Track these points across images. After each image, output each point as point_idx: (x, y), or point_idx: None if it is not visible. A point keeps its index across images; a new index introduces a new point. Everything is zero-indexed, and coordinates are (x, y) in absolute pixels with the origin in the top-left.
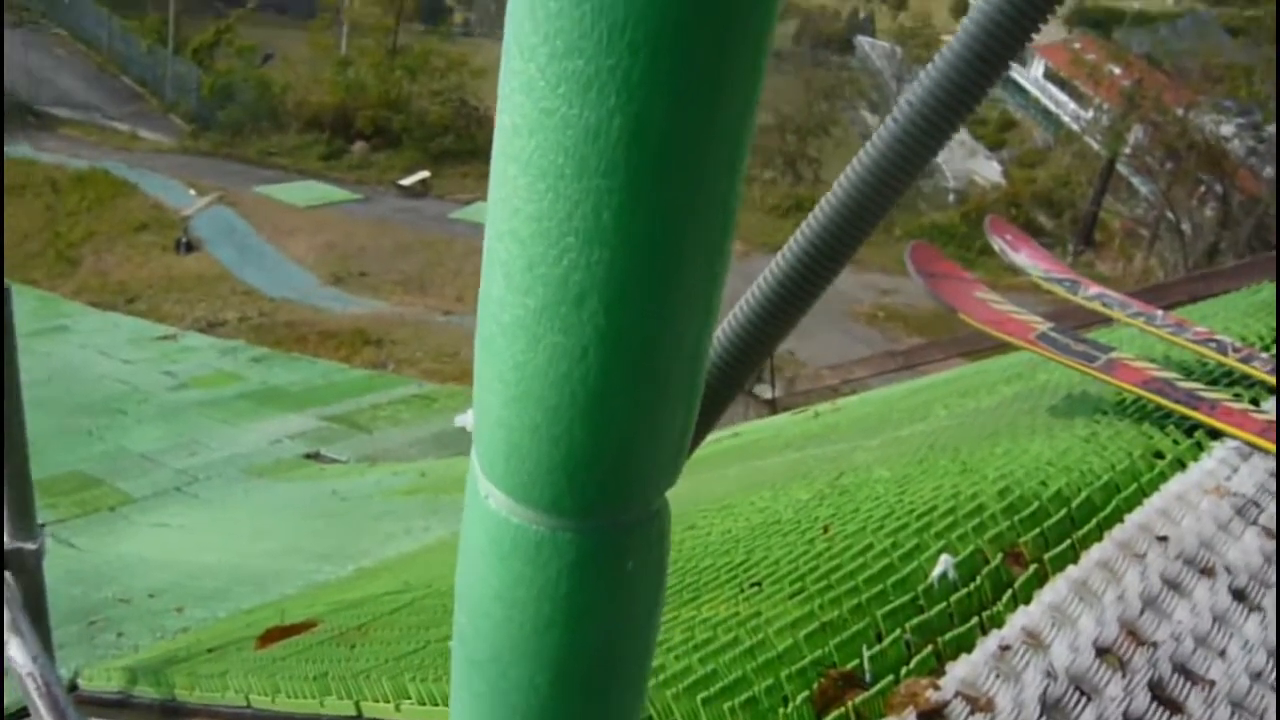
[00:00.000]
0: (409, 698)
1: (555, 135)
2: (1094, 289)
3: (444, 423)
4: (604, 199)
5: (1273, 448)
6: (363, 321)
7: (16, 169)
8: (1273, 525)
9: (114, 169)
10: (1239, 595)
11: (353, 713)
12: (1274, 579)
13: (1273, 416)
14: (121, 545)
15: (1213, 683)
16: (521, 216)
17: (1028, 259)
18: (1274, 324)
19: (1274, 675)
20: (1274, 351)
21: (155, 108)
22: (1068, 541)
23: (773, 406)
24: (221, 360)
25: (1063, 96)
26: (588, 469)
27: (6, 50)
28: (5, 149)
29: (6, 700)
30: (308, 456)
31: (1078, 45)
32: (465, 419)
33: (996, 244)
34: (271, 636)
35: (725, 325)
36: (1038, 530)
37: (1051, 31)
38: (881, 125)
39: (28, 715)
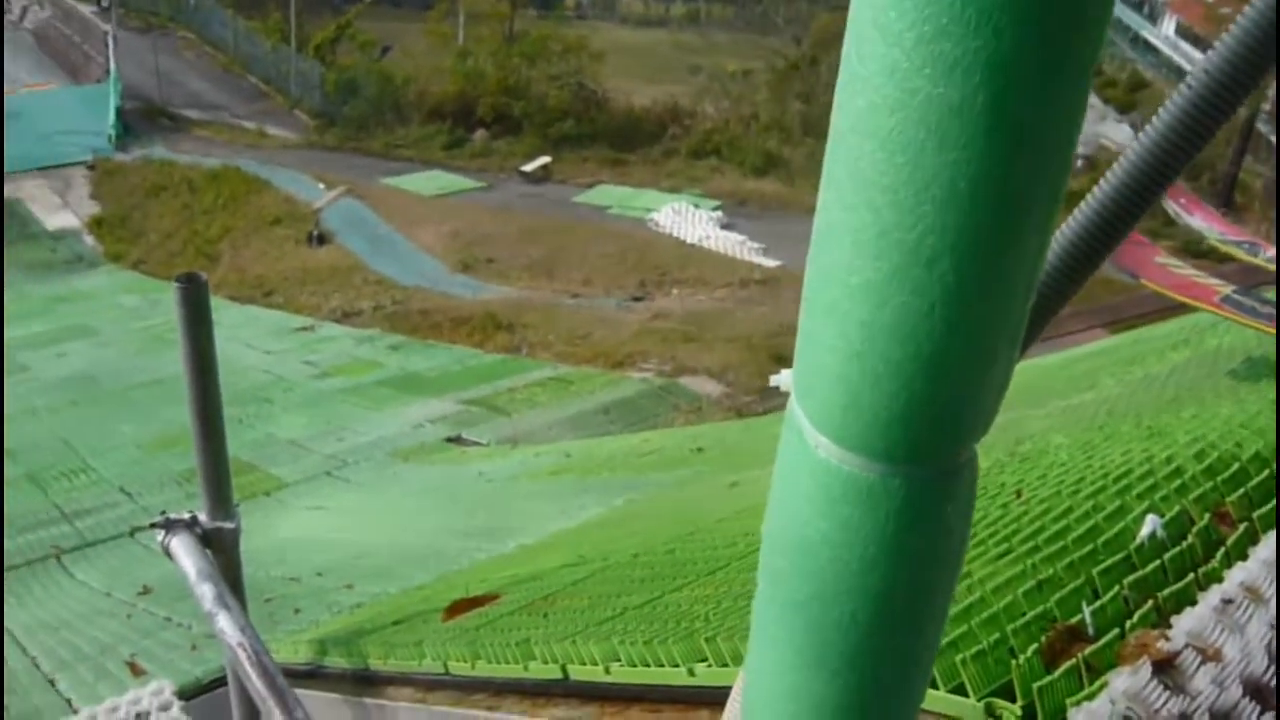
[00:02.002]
0: (618, 660)
1: (918, 113)
2: (1272, 250)
3: (581, 404)
4: (962, 170)
5: None
6: (493, 307)
7: (155, 170)
8: None
9: (245, 166)
10: None
11: (559, 676)
12: None
13: None
14: (282, 528)
15: None
16: (876, 188)
17: (1203, 222)
18: None
19: None
20: None
21: (281, 105)
22: (1274, 501)
23: None
24: (359, 349)
25: (1196, 54)
26: (922, 419)
27: (138, 54)
28: (145, 152)
29: (200, 671)
30: (449, 440)
31: None
32: (782, 379)
33: (1171, 208)
34: (458, 608)
35: None
36: (1241, 491)
37: None
38: (1173, 94)
39: (223, 685)
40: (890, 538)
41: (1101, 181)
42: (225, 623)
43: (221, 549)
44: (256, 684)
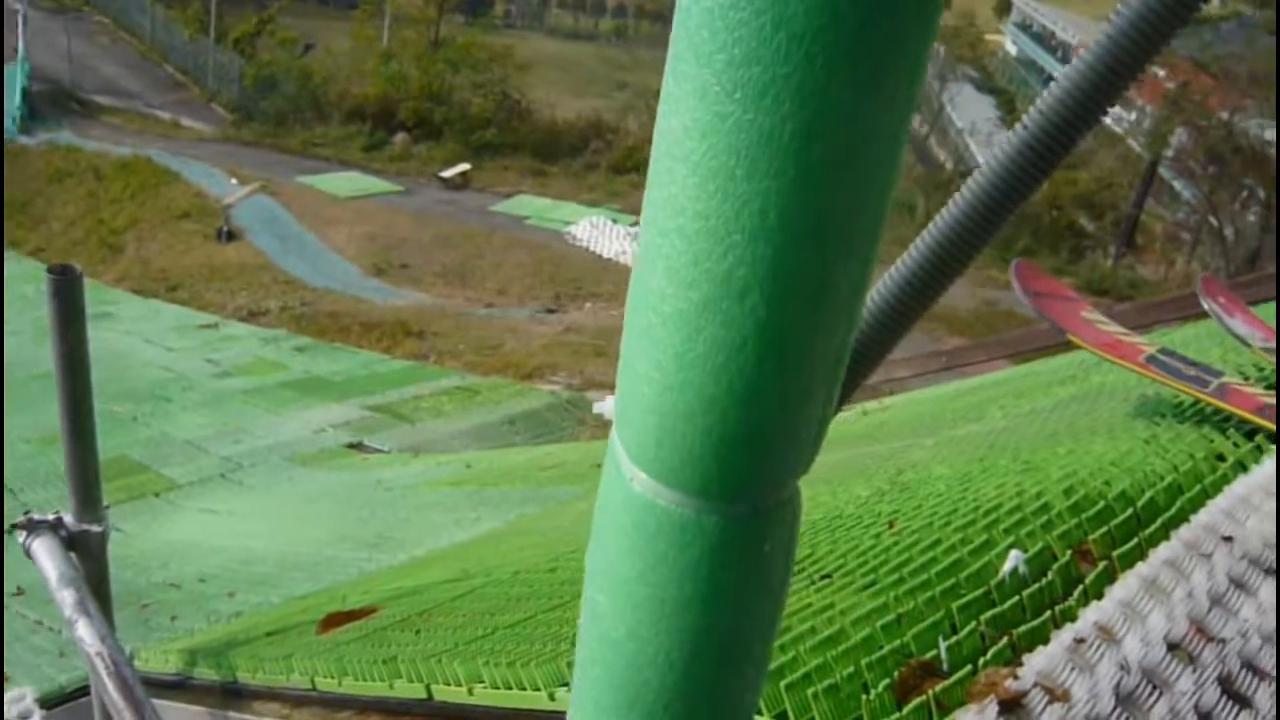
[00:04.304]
0: (482, 681)
1: (728, 138)
2: None
3: (487, 415)
4: (772, 199)
5: None
6: (404, 313)
7: (60, 156)
8: None
9: (156, 157)
10: None
11: (423, 695)
12: None
13: None
14: (169, 531)
15: None
16: (688, 214)
17: (1245, 326)
18: None
19: None
20: None
21: (197, 97)
22: (1135, 540)
23: None
24: (264, 349)
25: None
26: (737, 455)
27: (50, 38)
28: (51, 136)
29: (64, 679)
30: (350, 446)
31: None
32: (605, 407)
33: (1207, 305)
34: (333, 621)
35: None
36: (1105, 529)
37: (1095, 32)
38: (1009, 133)
39: (86, 694)
40: (706, 576)
41: (937, 218)
42: (84, 630)
43: (88, 553)
44: (114, 696)
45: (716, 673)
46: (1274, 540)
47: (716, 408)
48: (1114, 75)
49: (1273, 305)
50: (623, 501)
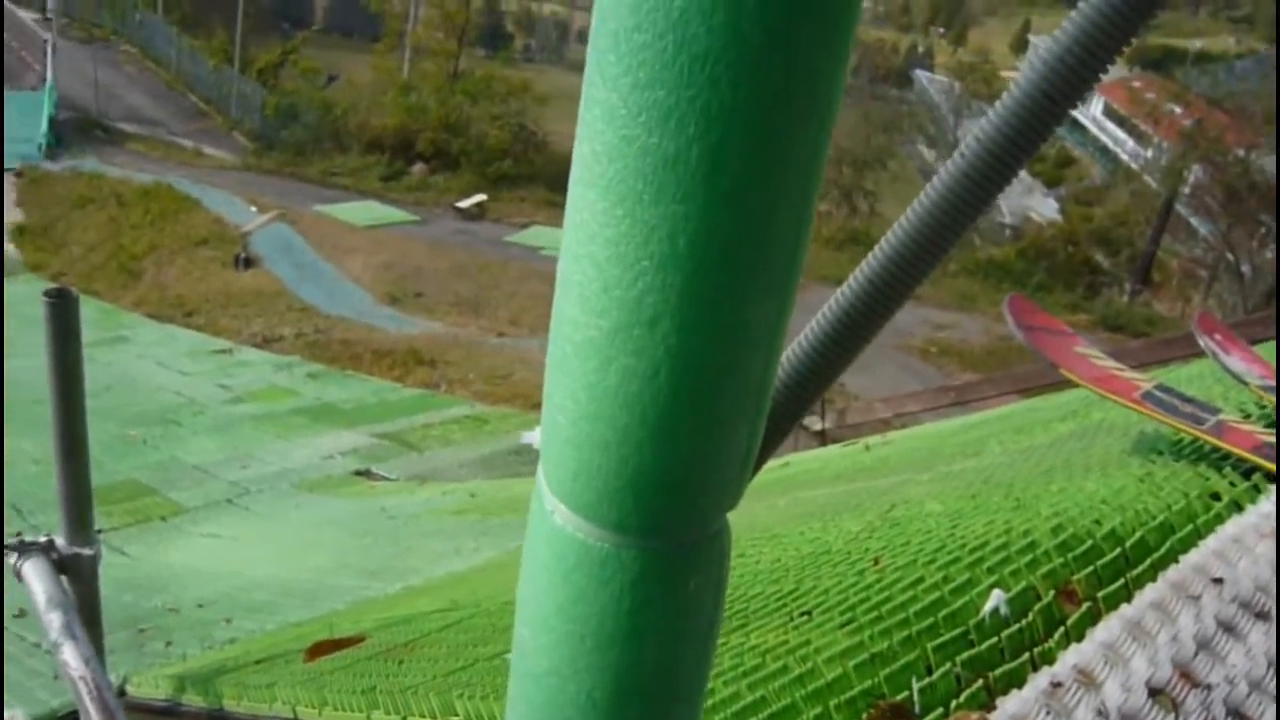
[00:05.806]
0: (456, 714)
1: (635, 162)
2: None
3: (495, 444)
4: (680, 225)
5: None
6: (417, 341)
7: (84, 182)
8: None
9: (178, 184)
10: None
11: None
12: None
13: None
14: (172, 555)
15: None
16: (598, 240)
17: (1242, 363)
18: None
19: None
20: None
21: (220, 125)
22: (1121, 580)
23: (823, 438)
24: (276, 375)
25: (1122, 134)
26: (654, 488)
27: (78, 66)
28: (75, 163)
29: (57, 703)
30: (358, 473)
31: (1137, 84)
32: (533, 437)
33: (1203, 342)
34: (320, 650)
35: (788, 354)
36: (1091, 568)
37: (1111, 70)
38: (948, 162)
39: (77, 718)
40: (626, 613)
41: (877, 248)
42: (69, 654)
43: (79, 576)
44: None
45: (642, 713)
46: (1267, 584)
47: (631, 439)
48: (1051, 104)
49: (1273, 344)
50: (545, 534)
